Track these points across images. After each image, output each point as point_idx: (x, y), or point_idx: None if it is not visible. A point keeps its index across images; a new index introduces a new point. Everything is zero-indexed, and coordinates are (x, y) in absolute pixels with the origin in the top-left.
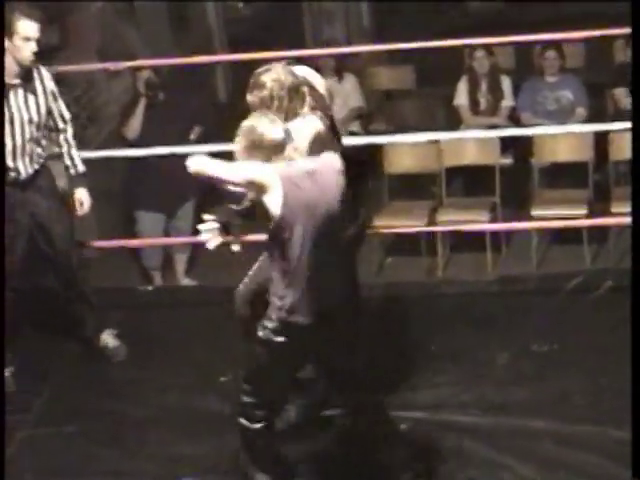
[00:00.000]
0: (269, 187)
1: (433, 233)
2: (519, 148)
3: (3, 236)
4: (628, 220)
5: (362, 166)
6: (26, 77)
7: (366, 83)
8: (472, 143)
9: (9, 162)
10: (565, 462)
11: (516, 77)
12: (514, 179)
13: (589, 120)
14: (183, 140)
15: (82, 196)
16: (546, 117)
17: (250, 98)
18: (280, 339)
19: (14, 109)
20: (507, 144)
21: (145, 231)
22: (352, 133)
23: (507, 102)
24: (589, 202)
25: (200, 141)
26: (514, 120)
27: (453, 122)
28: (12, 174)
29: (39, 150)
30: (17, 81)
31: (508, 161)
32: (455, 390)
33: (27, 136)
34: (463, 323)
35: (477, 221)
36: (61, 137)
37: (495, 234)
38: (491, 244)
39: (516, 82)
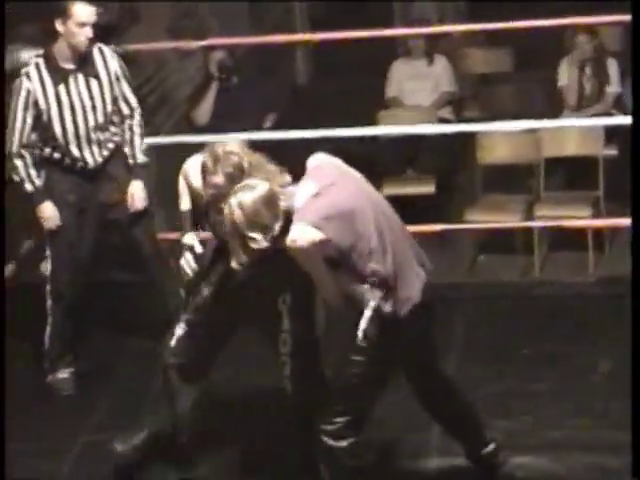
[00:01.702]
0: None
1: (530, 229)
2: (625, 138)
3: (4, 235)
4: None
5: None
6: (84, 61)
7: (459, 66)
8: (574, 132)
9: (75, 151)
10: None
11: (625, 60)
12: (619, 171)
13: None
14: (256, 127)
15: (136, 190)
16: None
17: (215, 179)
18: (381, 340)
19: (74, 96)
20: (612, 133)
21: None
22: (443, 120)
23: (613, 88)
24: None
25: (274, 128)
26: (620, 108)
27: (553, 109)
28: (79, 164)
29: (108, 137)
30: (73, 66)
31: (613, 152)
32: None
33: (91, 124)
34: (560, 327)
35: (578, 217)
36: (126, 124)
37: (598, 231)
38: (593, 242)
39: (624, 66)
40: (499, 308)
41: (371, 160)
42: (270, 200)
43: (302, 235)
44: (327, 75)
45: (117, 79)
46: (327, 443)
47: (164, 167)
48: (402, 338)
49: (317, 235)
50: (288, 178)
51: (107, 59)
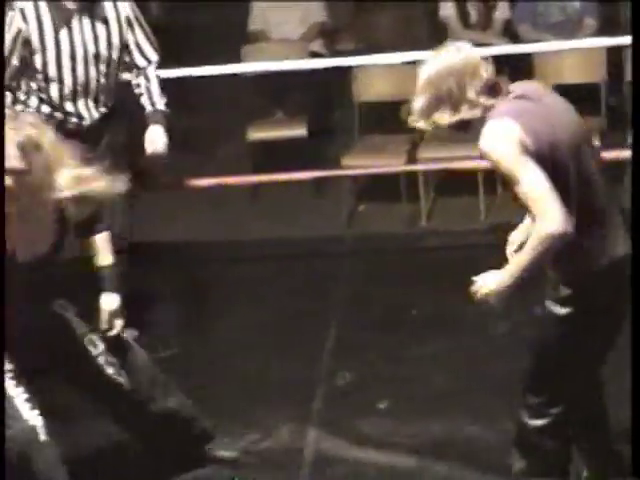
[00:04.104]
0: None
1: (414, 174)
2: (516, 69)
3: (3, 233)
4: None
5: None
6: (92, 1)
7: None
8: None
9: (68, 106)
10: None
11: None
12: None
13: (600, 33)
14: None
15: (155, 134)
16: (549, 30)
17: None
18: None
19: (76, 41)
20: (502, 64)
21: None
22: (314, 54)
23: (501, 13)
24: (602, 132)
25: None
26: (510, 35)
27: (437, 38)
28: (73, 119)
29: (108, 90)
30: (75, 5)
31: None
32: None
33: (92, 74)
34: (451, 282)
35: (467, 157)
36: (140, 76)
37: (489, 173)
38: (484, 185)
39: None
40: (383, 263)
41: (234, 101)
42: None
43: (497, 127)
44: (183, 7)
45: (129, 24)
46: (524, 420)
47: None
48: (601, 297)
49: (514, 126)
50: None
51: (117, 1)
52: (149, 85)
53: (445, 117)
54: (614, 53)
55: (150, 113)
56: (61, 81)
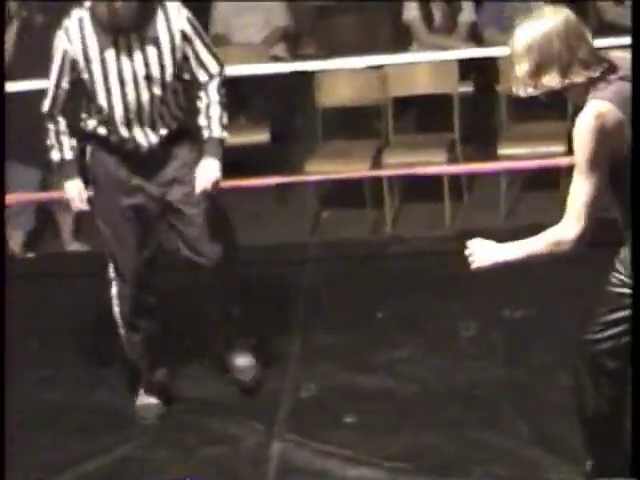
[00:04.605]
0: None
1: (379, 179)
2: (482, 73)
3: (4, 234)
4: None
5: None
6: (141, 18)
7: None
8: (424, 68)
9: (123, 131)
10: None
11: None
12: (476, 111)
13: None
14: None
15: (207, 169)
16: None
17: None
18: None
19: (124, 63)
20: (467, 68)
21: (16, 187)
22: (276, 58)
23: (466, 16)
24: (569, 137)
25: None
26: (476, 38)
27: (401, 43)
28: (129, 146)
29: (168, 111)
30: (125, 24)
31: (469, 89)
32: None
33: (144, 98)
34: (417, 288)
35: (432, 163)
36: (201, 91)
37: (455, 178)
38: (450, 191)
39: None
40: (348, 269)
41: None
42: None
43: (597, 112)
44: None
45: (185, 39)
46: (588, 343)
47: None
48: None
49: (609, 110)
50: None
51: (170, 16)
52: (209, 105)
53: (555, 80)
54: None
55: (206, 141)
56: (111, 106)
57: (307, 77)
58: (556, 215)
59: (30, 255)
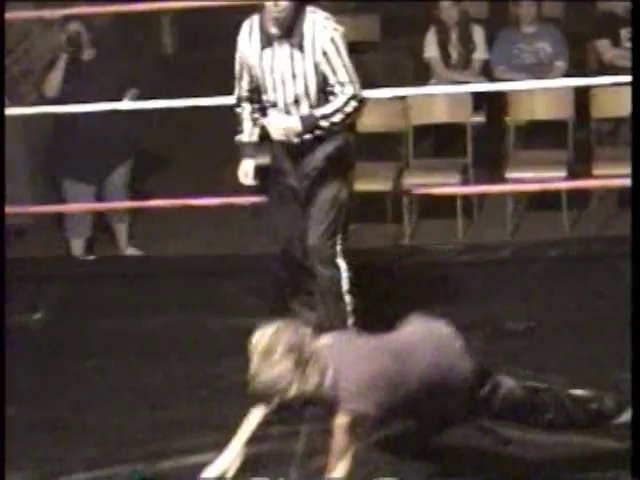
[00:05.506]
0: None
1: (399, 198)
2: (493, 105)
3: (3, 232)
4: (611, 183)
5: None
6: (291, 30)
7: None
8: (442, 100)
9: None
10: None
11: (489, 27)
12: (487, 139)
13: (569, 74)
14: (114, 101)
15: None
16: (522, 71)
17: None
18: None
19: (276, 63)
20: (480, 101)
21: (73, 201)
22: None
23: (480, 55)
24: (569, 163)
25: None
26: (487, 75)
27: (421, 77)
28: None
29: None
30: (277, 31)
31: (481, 119)
32: None
33: (290, 95)
34: (430, 295)
35: (447, 184)
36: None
37: (466, 199)
38: (462, 209)
39: (490, 33)
40: (370, 275)
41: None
42: None
43: None
44: (195, 45)
45: (324, 55)
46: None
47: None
48: None
49: None
50: None
51: (316, 31)
52: (332, 103)
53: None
54: (581, 92)
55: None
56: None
57: None
58: (557, 232)
59: (90, 258)
